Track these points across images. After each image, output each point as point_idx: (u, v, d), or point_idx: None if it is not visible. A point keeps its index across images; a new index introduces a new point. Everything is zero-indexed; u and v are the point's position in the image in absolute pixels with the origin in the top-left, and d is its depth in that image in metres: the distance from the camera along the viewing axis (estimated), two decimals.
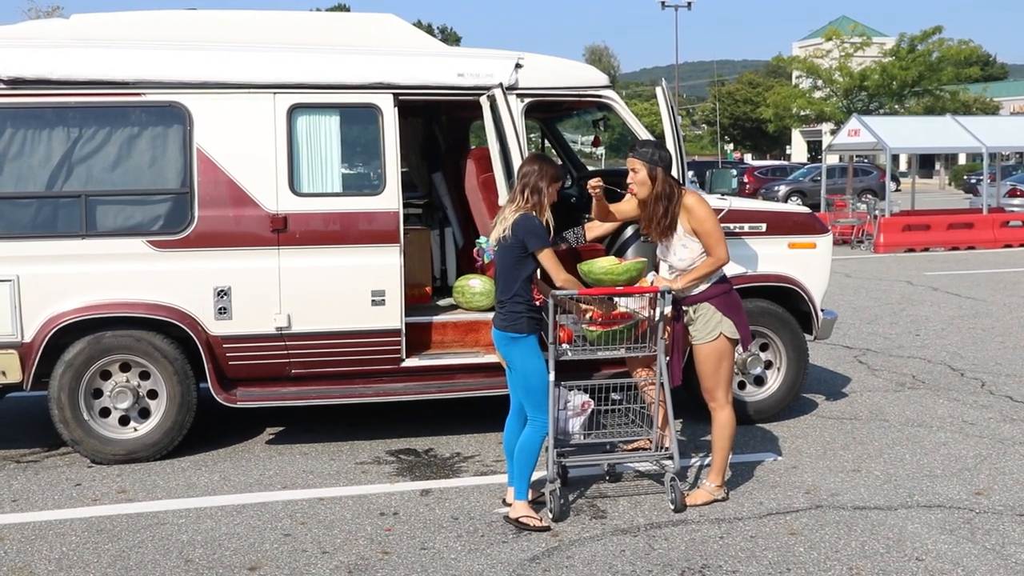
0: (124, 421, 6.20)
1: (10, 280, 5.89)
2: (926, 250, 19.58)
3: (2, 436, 6.83)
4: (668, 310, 5.36)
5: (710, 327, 5.27)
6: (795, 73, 46.81)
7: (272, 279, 6.16)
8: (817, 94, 39.48)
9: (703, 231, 5.24)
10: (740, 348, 5.48)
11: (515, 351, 5.07)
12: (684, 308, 5.36)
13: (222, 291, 6.12)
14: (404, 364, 6.45)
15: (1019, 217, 21.04)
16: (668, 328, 5.39)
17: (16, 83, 5.90)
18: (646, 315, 5.38)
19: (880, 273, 15.98)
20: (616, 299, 5.40)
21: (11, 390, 6.38)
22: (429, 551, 4.82)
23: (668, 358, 5.39)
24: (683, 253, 5.29)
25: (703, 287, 5.31)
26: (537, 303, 5.15)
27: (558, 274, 5.10)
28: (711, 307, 5.28)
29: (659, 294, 5.27)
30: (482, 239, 6.64)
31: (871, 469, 5.99)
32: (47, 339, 5.91)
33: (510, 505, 5.19)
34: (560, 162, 8.45)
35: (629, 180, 5.31)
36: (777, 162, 54.65)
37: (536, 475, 5.26)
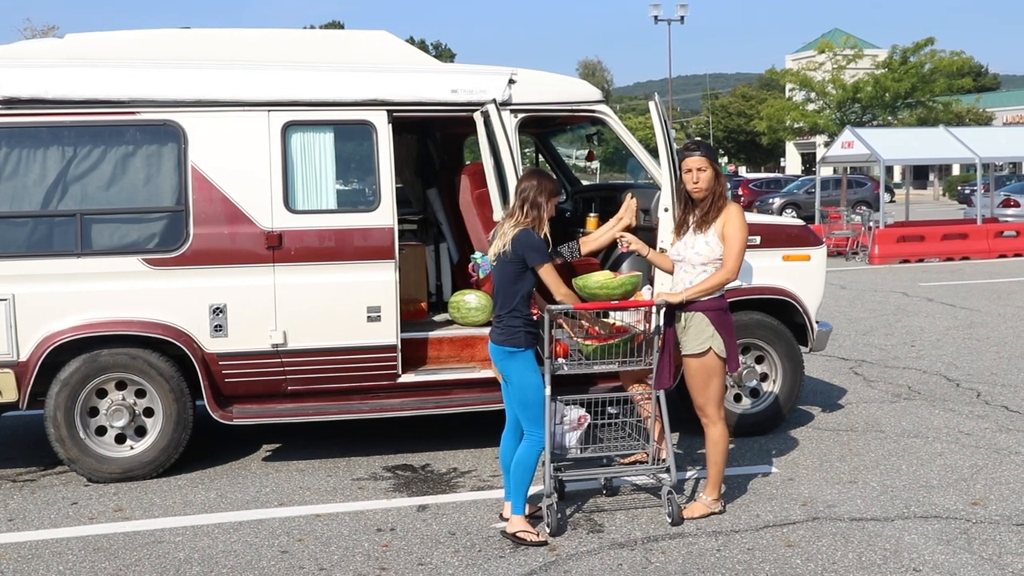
0: (120, 439, 6.20)
1: (6, 299, 5.90)
2: (921, 261, 19.62)
3: None
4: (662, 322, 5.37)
5: (701, 339, 5.28)
6: (788, 86, 46.97)
7: (267, 296, 6.17)
8: (810, 106, 39.59)
9: (731, 239, 5.27)
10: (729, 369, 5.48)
11: (512, 365, 5.08)
12: (677, 313, 5.36)
13: (218, 308, 6.13)
14: (400, 380, 6.45)
15: (1013, 227, 21.08)
16: (661, 336, 5.41)
17: (11, 103, 5.93)
18: (641, 329, 5.39)
19: (875, 284, 16.01)
20: (611, 313, 5.41)
21: (7, 409, 6.38)
22: (427, 567, 4.82)
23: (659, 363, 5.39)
24: (703, 249, 5.31)
25: (702, 298, 5.32)
26: (535, 317, 5.16)
27: (558, 289, 5.11)
28: (705, 319, 5.28)
29: (654, 308, 5.28)
30: (477, 254, 6.65)
31: (867, 480, 5.99)
32: (43, 358, 5.91)
33: (507, 520, 5.19)
34: (554, 177, 8.47)
35: (695, 180, 5.34)
36: (771, 174, 54.83)
37: (533, 489, 5.26)
